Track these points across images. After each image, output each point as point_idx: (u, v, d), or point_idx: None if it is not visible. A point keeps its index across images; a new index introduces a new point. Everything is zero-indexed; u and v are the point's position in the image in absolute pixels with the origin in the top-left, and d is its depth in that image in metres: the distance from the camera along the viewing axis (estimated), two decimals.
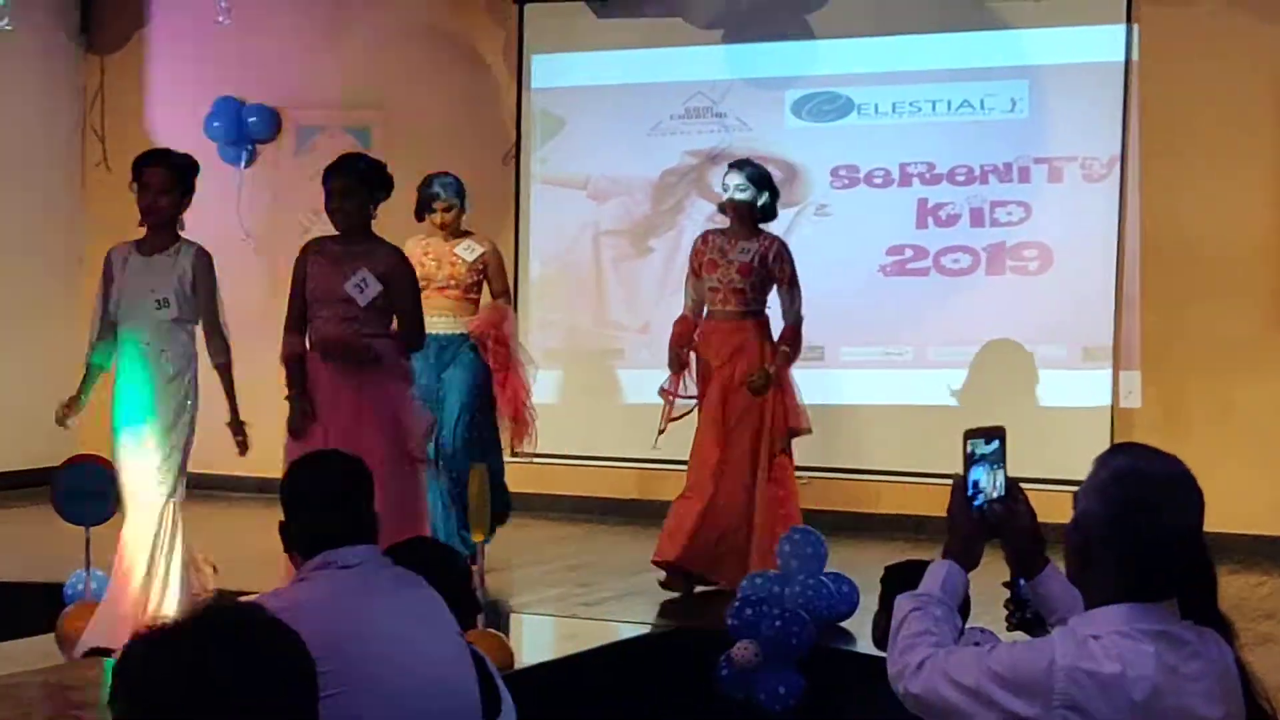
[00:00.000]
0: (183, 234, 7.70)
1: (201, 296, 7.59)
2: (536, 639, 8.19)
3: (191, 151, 11.45)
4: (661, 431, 8.86)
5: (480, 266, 9.26)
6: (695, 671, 7.46)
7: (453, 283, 9.19)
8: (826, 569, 7.96)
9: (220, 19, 10.15)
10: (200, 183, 11.28)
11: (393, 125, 11.76)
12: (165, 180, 7.58)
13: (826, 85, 10.98)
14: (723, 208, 8.99)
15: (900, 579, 4.57)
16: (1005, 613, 3.68)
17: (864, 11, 10.88)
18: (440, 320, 9.01)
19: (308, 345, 7.67)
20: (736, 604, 7.50)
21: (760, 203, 8.82)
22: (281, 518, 4.46)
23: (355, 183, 7.64)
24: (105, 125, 12.49)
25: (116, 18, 12.54)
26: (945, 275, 10.75)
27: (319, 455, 4.90)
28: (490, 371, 9.13)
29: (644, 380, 11.13)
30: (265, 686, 2.36)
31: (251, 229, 11.85)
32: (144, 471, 7.46)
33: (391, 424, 7.54)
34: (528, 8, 11.36)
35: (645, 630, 7.98)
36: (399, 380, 7.70)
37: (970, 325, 10.65)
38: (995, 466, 3.52)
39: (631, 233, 11.35)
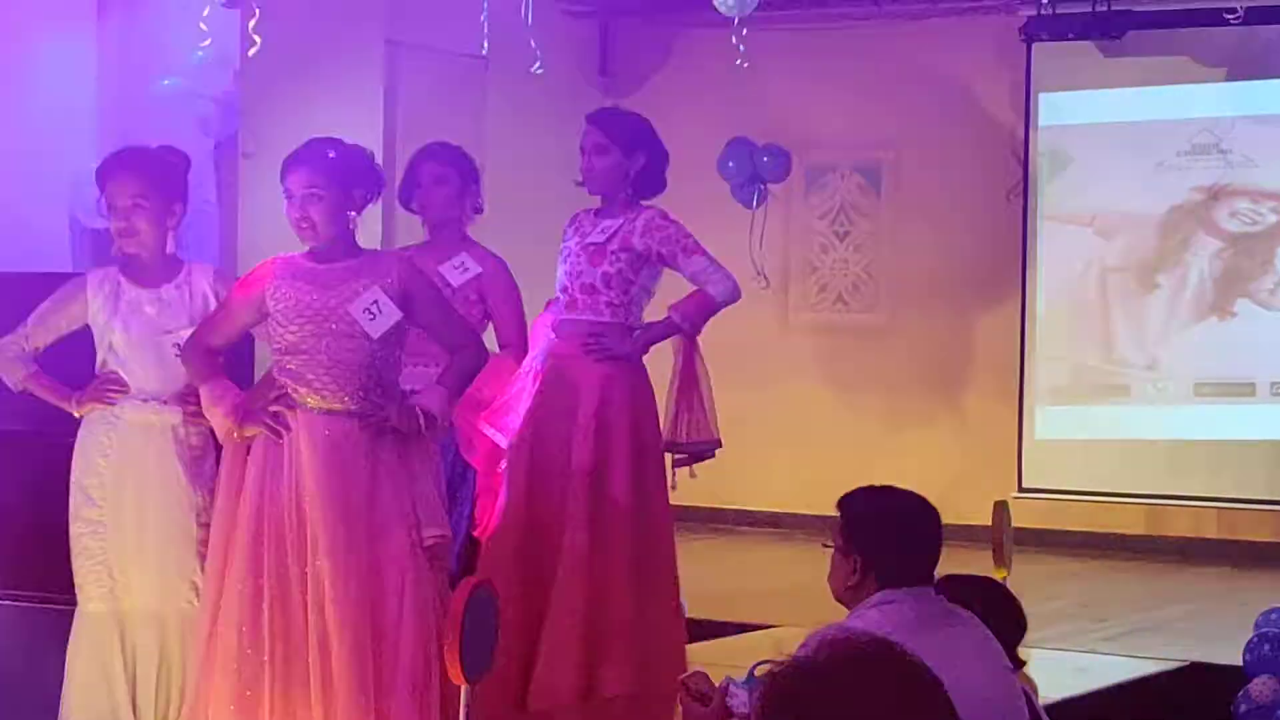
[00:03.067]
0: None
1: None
2: (1051, 674, 8.44)
3: (705, 193, 12.13)
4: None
5: (473, 296, 6.86)
6: (1212, 708, 7.65)
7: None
8: None
9: (739, 61, 10.67)
10: (715, 222, 11.90)
11: (901, 164, 12.24)
12: (135, 190, 5.80)
13: None
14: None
15: None
16: None
17: None
18: (421, 371, 6.45)
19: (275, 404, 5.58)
20: (1254, 640, 7.70)
21: (632, 170, 6.55)
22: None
23: (325, 175, 5.61)
24: None
25: (635, 60, 13.19)
26: None
27: (899, 491, 4.87)
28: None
29: (1151, 417, 11.43)
30: None
31: (764, 269, 12.42)
32: None
33: (403, 511, 5.63)
34: (1036, 47, 11.69)
35: (1161, 666, 8.15)
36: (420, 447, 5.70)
37: None
38: None
39: (1138, 269, 11.66)
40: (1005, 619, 4.76)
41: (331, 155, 5.62)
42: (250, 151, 8.76)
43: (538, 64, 10.82)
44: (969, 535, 9.55)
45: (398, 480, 5.59)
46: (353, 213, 5.63)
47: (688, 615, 7.72)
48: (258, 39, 8.14)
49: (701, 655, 7.10)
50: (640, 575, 6.42)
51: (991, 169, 12.03)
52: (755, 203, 12.44)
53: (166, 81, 8.34)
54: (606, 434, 6.43)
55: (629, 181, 6.51)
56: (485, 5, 9.70)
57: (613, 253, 6.43)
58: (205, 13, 8.02)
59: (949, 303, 12.06)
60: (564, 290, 6.52)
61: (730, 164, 12.39)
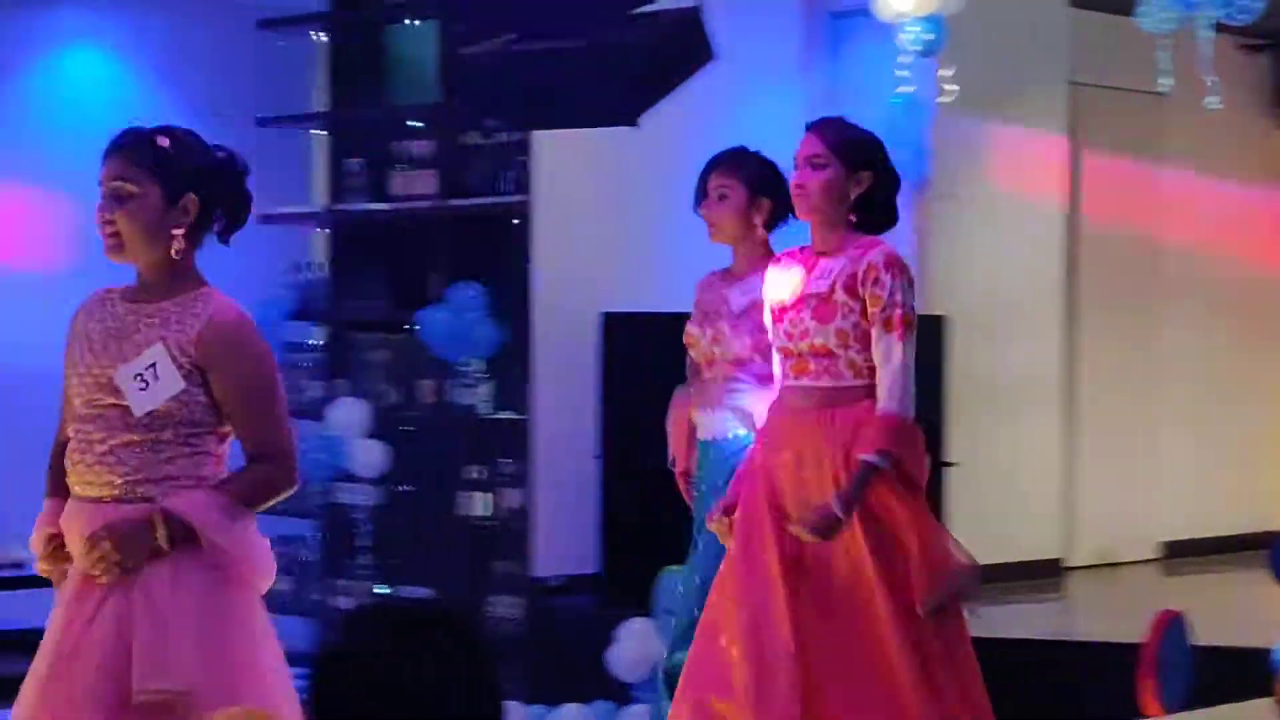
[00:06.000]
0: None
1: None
2: None
3: None
4: None
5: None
6: None
7: (717, 351, 5.84)
8: None
9: None
10: None
11: None
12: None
13: None
14: (787, 206, 5.56)
15: None
16: None
17: None
18: (711, 417, 5.82)
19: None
20: None
21: (854, 191, 5.26)
22: None
23: (145, 169, 4.25)
24: None
25: None
26: None
27: None
28: None
29: None
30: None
31: None
32: None
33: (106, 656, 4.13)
34: None
35: None
36: (198, 571, 4.16)
37: None
38: None
39: None
40: None
41: (163, 143, 4.28)
42: (943, 193, 9.02)
43: (1216, 99, 10.70)
44: None
45: (123, 614, 4.14)
46: (178, 230, 4.24)
47: None
48: (950, 87, 8.37)
49: None
50: None
51: None
52: None
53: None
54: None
55: (849, 206, 5.26)
56: (1167, 42, 9.69)
57: (843, 304, 5.16)
58: (903, 60, 8.28)
59: None
60: (785, 354, 5.26)
61: None
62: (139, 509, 4.15)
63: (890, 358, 5.08)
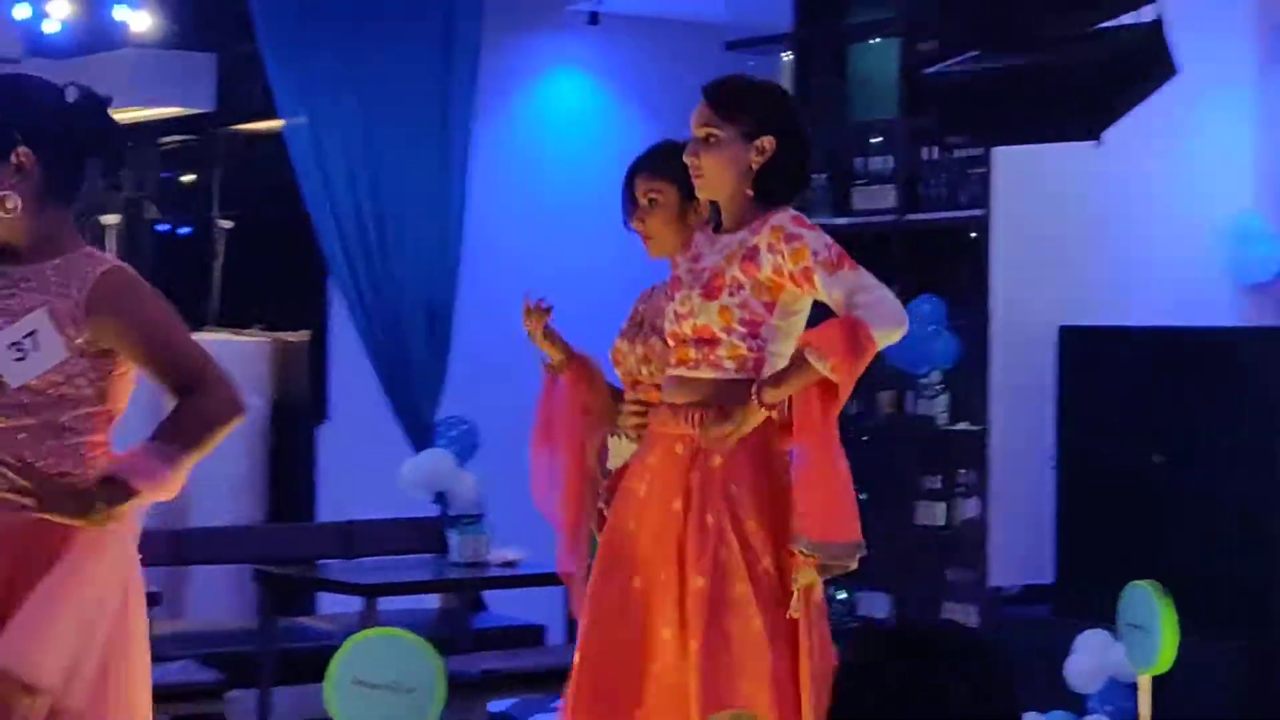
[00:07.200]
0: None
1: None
2: None
3: None
4: None
5: None
6: None
7: (644, 372, 5.03)
8: None
9: None
10: None
11: None
12: None
13: None
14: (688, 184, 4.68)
15: None
16: None
17: None
18: (627, 445, 5.00)
19: None
20: None
21: (755, 161, 4.49)
22: None
23: None
24: None
25: None
26: None
27: None
28: None
29: None
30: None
31: None
32: None
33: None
34: None
35: None
36: (85, 553, 3.65)
37: None
38: None
39: None
40: None
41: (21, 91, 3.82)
42: None
43: None
44: None
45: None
46: (7, 189, 3.74)
47: None
48: None
49: None
50: None
51: None
52: None
53: None
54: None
55: (750, 179, 4.49)
56: None
57: (732, 279, 4.44)
58: None
59: None
60: (672, 338, 4.55)
61: None
62: (21, 518, 3.62)
63: (853, 281, 4.32)
